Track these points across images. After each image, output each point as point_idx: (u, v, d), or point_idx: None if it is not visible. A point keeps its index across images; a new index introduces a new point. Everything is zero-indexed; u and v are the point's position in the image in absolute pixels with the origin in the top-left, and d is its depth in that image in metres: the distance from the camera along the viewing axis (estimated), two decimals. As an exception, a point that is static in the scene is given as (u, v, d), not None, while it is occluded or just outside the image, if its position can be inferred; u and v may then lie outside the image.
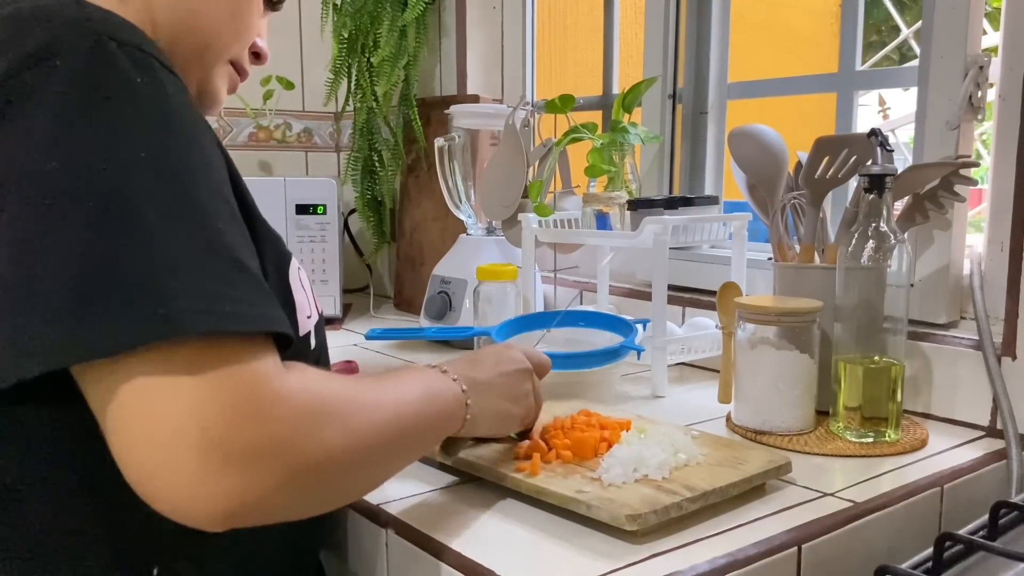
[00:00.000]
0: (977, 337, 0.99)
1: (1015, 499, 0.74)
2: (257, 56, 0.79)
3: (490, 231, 1.53)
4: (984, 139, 1.44)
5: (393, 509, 0.75)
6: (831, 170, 1.01)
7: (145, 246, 0.50)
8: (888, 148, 0.92)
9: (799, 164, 1.10)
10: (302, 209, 1.58)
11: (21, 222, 0.51)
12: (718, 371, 1.11)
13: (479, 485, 0.81)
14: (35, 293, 0.49)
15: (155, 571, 0.62)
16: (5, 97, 0.53)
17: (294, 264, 0.71)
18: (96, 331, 0.48)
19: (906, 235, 0.97)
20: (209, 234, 0.53)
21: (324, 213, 1.59)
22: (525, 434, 0.83)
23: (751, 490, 0.78)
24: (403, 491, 0.79)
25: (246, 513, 0.50)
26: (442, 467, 0.85)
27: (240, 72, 0.78)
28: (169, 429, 0.48)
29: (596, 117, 1.62)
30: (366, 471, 0.60)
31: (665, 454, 0.78)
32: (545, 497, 0.74)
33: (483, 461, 0.80)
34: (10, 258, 0.50)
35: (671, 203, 1.19)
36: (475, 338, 1.26)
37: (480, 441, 0.83)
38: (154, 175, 0.52)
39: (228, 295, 0.51)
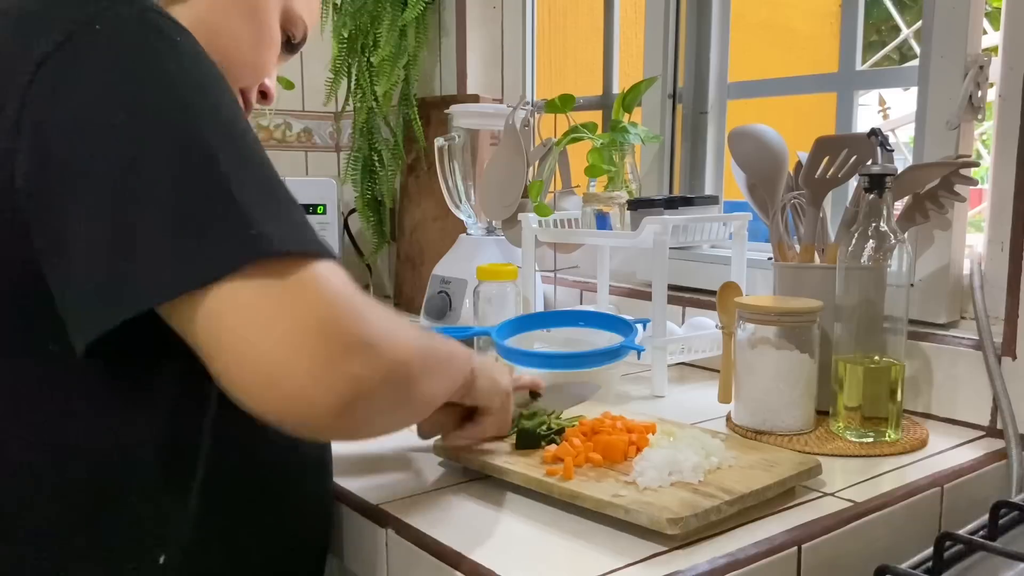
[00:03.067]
0: (977, 337, 0.99)
1: (1015, 499, 0.74)
2: (264, 96, 0.81)
3: (490, 231, 1.53)
4: (984, 139, 1.44)
5: (393, 509, 0.75)
6: (831, 170, 1.00)
7: (223, 183, 0.54)
8: (888, 148, 0.93)
9: (799, 164, 1.10)
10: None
11: (100, 178, 0.53)
12: (718, 371, 1.11)
13: (479, 484, 0.81)
14: (134, 239, 0.52)
15: (161, 560, 0.62)
16: (59, 61, 0.55)
17: None
18: (202, 259, 0.52)
19: (906, 235, 0.97)
20: (267, 173, 0.57)
21: (324, 213, 1.59)
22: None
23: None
24: (403, 491, 0.79)
25: (361, 402, 0.53)
26: (443, 465, 0.86)
27: (247, 104, 0.79)
28: (291, 324, 0.51)
29: (596, 117, 1.62)
30: (428, 383, 0.63)
31: (698, 457, 0.77)
32: (580, 502, 0.73)
33: (511, 466, 0.79)
34: (100, 211, 0.53)
35: (671, 203, 1.19)
36: (475, 338, 1.26)
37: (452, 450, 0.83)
38: (213, 121, 0.56)
39: (300, 223, 0.56)
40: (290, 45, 0.80)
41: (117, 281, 0.52)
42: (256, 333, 0.51)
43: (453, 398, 0.74)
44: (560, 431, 0.84)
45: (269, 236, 0.53)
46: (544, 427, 0.84)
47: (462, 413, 0.81)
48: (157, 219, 0.52)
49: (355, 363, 0.53)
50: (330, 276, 0.55)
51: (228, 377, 0.53)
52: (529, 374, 0.90)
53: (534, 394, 0.89)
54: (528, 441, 0.83)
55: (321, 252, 0.55)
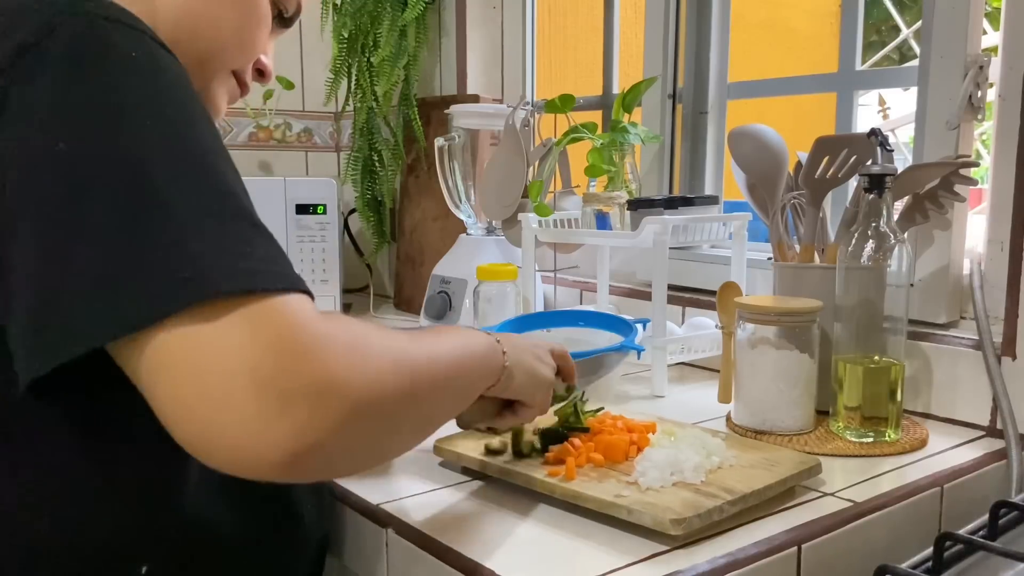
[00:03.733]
0: (977, 337, 0.99)
1: (1015, 499, 0.74)
2: (261, 73, 0.78)
3: (490, 231, 1.53)
4: (984, 139, 1.44)
5: (393, 509, 0.75)
6: (831, 170, 1.00)
7: (164, 216, 0.50)
8: (888, 148, 0.92)
9: (799, 164, 1.10)
10: (302, 209, 1.58)
11: (37, 207, 0.51)
12: (718, 371, 1.11)
13: (480, 484, 0.81)
14: (65, 276, 0.49)
15: (144, 570, 0.61)
16: (4, 85, 0.52)
17: None
18: (132, 304, 0.48)
19: (906, 235, 0.97)
20: (224, 198, 0.53)
21: (324, 213, 1.59)
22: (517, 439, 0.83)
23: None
24: (403, 491, 0.79)
25: (310, 456, 0.49)
26: (443, 465, 0.86)
27: (242, 85, 0.77)
28: (220, 377, 0.48)
29: (596, 117, 1.62)
30: (417, 411, 0.58)
31: (699, 457, 0.77)
32: (582, 502, 0.73)
33: (512, 466, 0.79)
34: (34, 245, 0.50)
35: (671, 203, 1.19)
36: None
37: (490, 431, 0.82)
38: (162, 144, 0.52)
39: (252, 254, 0.52)
40: (283, 19, 0.77)
41: (55, 320, 0.49)
42: (192, 382, 0.48)
43: (488, 393, 0.71)
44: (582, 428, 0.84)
45: (210, 276, 0.49)
46: (570, 420, 0.84)
47: (500, 402, 0.78)
48: (93, 256, 0.49)
49: (298, 412, 0.48)
50: (281, 312, 0.50)
51: (169, 425, 0.50)
52: (555, 345, 0.86)
53: (569, 387, 0.87)
54: (552, 439, 0.82)
55: (276, 285, 0.51)
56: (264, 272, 0.51)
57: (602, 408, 0.91)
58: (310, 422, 0.48)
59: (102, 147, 0.51)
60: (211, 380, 0.48)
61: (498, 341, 0.72)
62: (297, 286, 0.52)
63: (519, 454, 0.82)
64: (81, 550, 0.59)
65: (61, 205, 0.50)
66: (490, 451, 0.83)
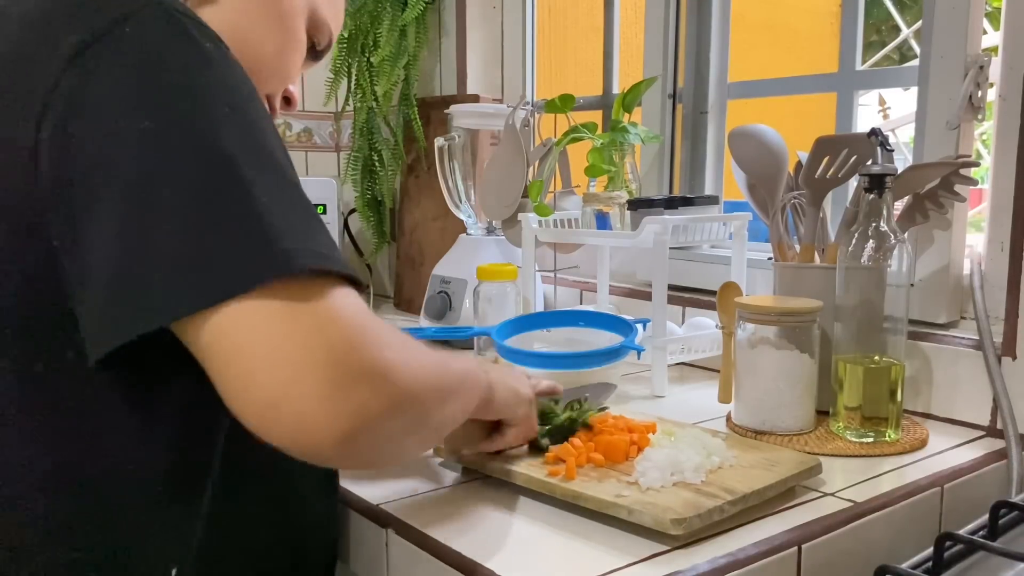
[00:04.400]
0: (977, 337, 0.99)
1: (1015, 499, 0.74)
2: (288, 102, 0.80)
3: (490, 231, 1.53)
4: (984, 139, 1.44)
5: (393, 509, 0.75)
6: (831, 170, 1.01)
7: (246, 198, 0.53)
8: (888, 148, 0.92)
9: (799, 164, 1.10)
10: (302, 209, 1.57)
11: (119, 184, 0.52)
12: (718, 371, 1.11)
13: (480, 484, 0.81)
14: (149, 249, 0.51)
15: (173, 572, 0.62)
16: (85, 62, 0.54)
17: None
18: (215, 277, 0.51)
19: (906, 235, 0.97)
20: (291, 186, 0.56)
21: (324, 213, 1.59)
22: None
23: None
24: (404, 491, 0.79)
25: (362, 436, 0.52)
26: (443, 465, 0.86)
27: (271, 110, 0.78)
28: (297, 350, 0.50)
29: (596, 117, 1.62)
30: (441, 411, 0.61)
31: (699, 457, 0.77)
32: (583, 502, 0.73)
33: (513, 466, 0.79)
34: (119, 219, 0.52)
35: (671, 203, 1.19)
36: (475, 338, 1.26)
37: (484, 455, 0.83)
38: (239, 131, 0.55)
39: (322, 240, 0.55)
40: (315, 52, 0.79)
41: (133, 293, 0.51)
42: (264, 354, 0.50)
43: (473, 416, 0.72)
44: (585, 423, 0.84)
45: (289, 255, 0.52)
46: (571, 419, 0.84)
47: (487, 426, 0.79)
48: (175, 231, 0.51)
49: (362, 391, 0.51)
50: (347, 300, 0.53)
51: (233, 398, 0.52)
52: (545, 379, 0.89)
53: (554, 400, 0.88)
54: (562, 435, 0.83)
55: (341, 274, 0.54)
56: (332, 258, 0.54)
57: (606, 408, 0.91)
58: (369, 402, 0.51)
59: (183, 128, 0.53)
60: (290, 349, 0.50)
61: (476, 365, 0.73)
62: (354, 275, 0.56)
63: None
64: (114, 543, 0.60)
65: (144, 182, 0.52)
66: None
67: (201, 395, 0.61)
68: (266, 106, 0.60)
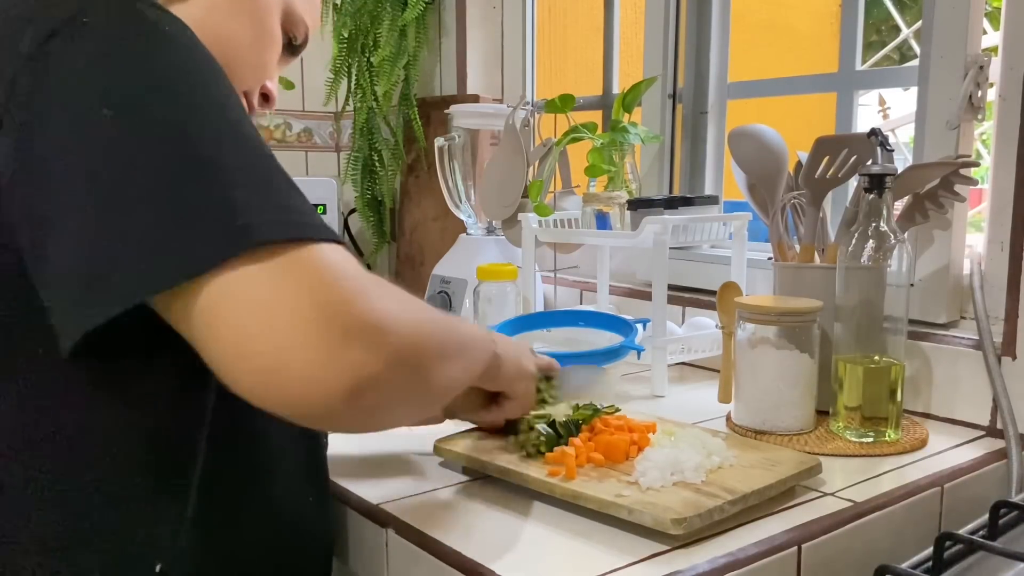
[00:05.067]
0: (977, 337, 0.99)
1: (1015, 499, 0.74)
2: (266, 98, 0.81)
3: (490, 231, 1.53)
4: (984, 139, 1.44)
5: (393, 509, 0.75)
6: (831, 170, 1.00)
7: (211, 172, 0.53)
8: (888, 148, 0.92)
9: (799, 164, 1.10)
10: (302, 209, 1.57)
11: (86, 167, 0.52)
12: (718, 371, 1.11)
13: (480, 484, 0.81)
14: (120, 231, 0.51)
15: (158, 568, 0.62)
16: (44, 56, 0.54)
17: None
18: (191, 250, 0.51)
19: (906, 235, 0.97)
20: (263, 158, 0.56)
21: (324, 213, 1.59)
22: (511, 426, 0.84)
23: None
24: (403, 491, 0.79)
25: (369, 389, 0.52)
26: (443, 465, 0.86)
27: (249, 107, 0.78)
28: (286, 312, 0.50)
29: (596, 117, 1.62)
30: (443, 368, 0.60)
31: (699, 456, 0.77)
32: (583, 502, 0.73)
33: (513, 466, 0.79)
34: (85, 204, 0.52)
35: (671, 203, 1.19)
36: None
37: (476, 426, 0.82)
38: (203, 109, 0.55)
39: (295, 208, 0.55)
40: (292, 47, 0.79)
41: (104, 273, 0.51)
42: (251, 322, 0.50)
43: (476, 384, 0.72)
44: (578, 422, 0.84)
45: (260, 224, 0.52)
46: (565, 420, 0.84)
47: (485, 396, 0.80)
48: (144, 211, 0.51)
49: (357, 347, 0.51)
50: (330, 259, 0.53)
51: (226, 370, 0.52)
52: (543, 356, 0.89)
53: (549, 378, 0.89)
54: (555, 441, 0.82)
55: (319, 236, 0.54)
56: (309, 224, 0.54)
57: (614, 407, 0.91)
58: (366, 356, 0.51)
59: (144, 114, 0.53)
60: (278, 314, 0.50)
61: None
62: (336, 238, 0.55)
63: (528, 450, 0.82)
64: (98, 540, 0.60)
65: (112, 164, 0.52)
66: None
67: (181, 385, 0.61)
68: (232, 87, 0.60)
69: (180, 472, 0.63)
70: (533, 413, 0.84)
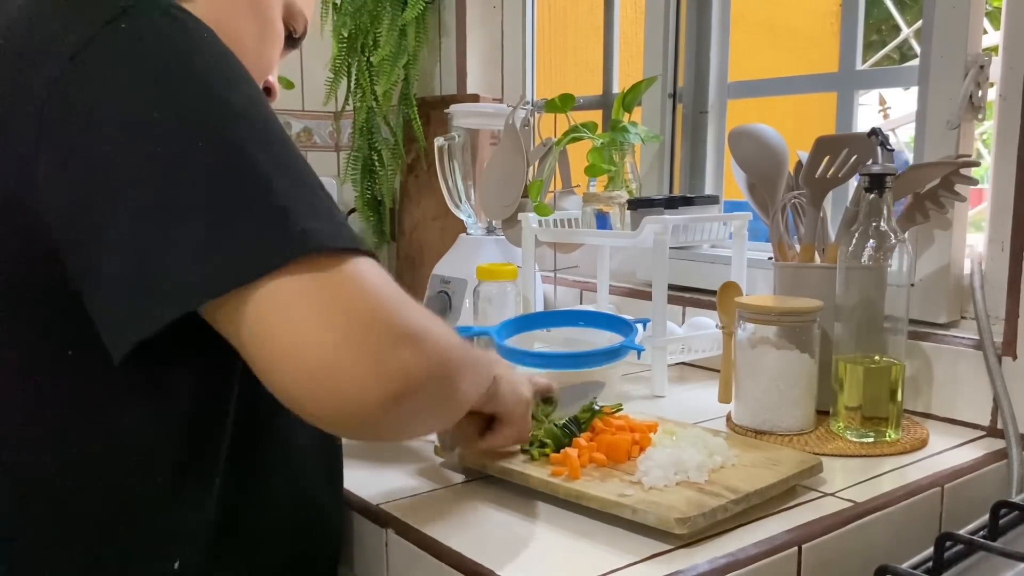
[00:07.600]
0: (977, 337, 0.99)
1: (1015, 499, 0.74)
2: (268, 92, 0.81)
3: (490, 231, 1.53)
4: (984, 139, 1.44)
5: (393, 509, 0.75)
6: (831, 170, 1.00)
7: (262, 180, 0.53)
8: (888, 147, 0.92)
9: (799, 164, 1.10)
10: (302, 209, 1.57)
11: (136, 174, 0.52)
12: (718, 371, 1.11)
13: (481, 484, 0.81)
14: (173, 238, 0.51)
15: (176, 565, 0.62)
16: (84, 61, 0.54)
17: None
18: (246, 256, 0.51)
19: (906, 235, 0.97)
20: (304, 170, 0.57)
21: (324, 213, 1.59)
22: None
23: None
24: (403, 491, 0.79)
25: (409, 396, 0.53)
26: (443, 465, 0.86)
27: None
28: (337, 317, 0.51)
29: (596, 116, 1.62)
30: (466, 379, 0.62)
31: (702, 456, 0.77)
32: (586, 502, 0.73)
33: (515, 466, 0.79)
34: (135, 211, 0.52)
35: (671, 203, 1.19)
36: (475, 338, 1.26)
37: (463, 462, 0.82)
38: (245, 117, 0.56)
39: (338, 218, 0.56)
40: (291, 39, 0.80)
41: (157, 280, 0.51)
42: (303, 328, 0.51)
43: (476, 405, 0.72)
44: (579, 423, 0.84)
45: (311, 232, 0.52)
46: (569, 423, 0.84)
47: (481, 423, 0.79)
48: (196, 217, 0.51)
49: (404, 355, 0.53)
50: (373, 270, 0.55)
51: (273, 374, 0.52)
52: (540, 378, 0.89)
53: (547, 400, 0.88)
54: (563, 441, 0.82)
55: (360, 248, 0.55)
56: (354, 235, 0.56)
57: (619, 404, 0.91)
58: (411, 362, 0.53)
59: (191, 119, 0.54)
60: (326, 323, 0.51)
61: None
62: (374, 252, 0.57)
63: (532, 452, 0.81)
64: (113, 548, 0.61)
65: (161, 172, 0.52)
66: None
67: (204, 390, 0.61)
68: (259, 86, 0.60)
69: (204, 470, 0.63)
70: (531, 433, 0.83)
